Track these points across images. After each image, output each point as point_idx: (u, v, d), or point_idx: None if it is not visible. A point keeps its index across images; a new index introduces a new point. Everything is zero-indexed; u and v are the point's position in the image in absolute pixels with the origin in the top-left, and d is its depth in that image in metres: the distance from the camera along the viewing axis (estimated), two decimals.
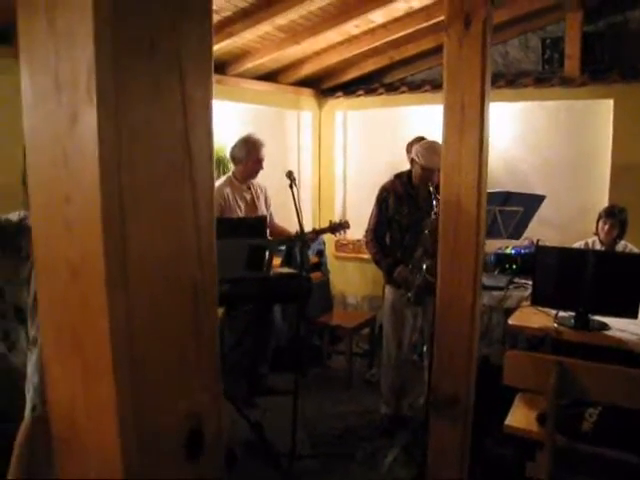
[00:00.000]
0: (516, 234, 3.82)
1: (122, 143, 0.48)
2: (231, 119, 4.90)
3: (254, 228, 3.11)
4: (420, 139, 4.11)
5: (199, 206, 0.54)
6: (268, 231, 3.91)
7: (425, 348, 3.71)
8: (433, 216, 3.19)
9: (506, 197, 3.68)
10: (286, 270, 3.52)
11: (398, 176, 3.61)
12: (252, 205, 3.94)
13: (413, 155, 3.50)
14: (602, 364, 2.38)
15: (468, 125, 1.62)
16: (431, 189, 3.22)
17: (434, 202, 3.16)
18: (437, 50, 4.92)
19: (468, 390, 1.77)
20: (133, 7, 0.50)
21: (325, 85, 5.64)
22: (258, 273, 2.87)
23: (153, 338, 0.53)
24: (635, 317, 2.94)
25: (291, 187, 3.22)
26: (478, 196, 1.66)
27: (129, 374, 0.51)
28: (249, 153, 3.85)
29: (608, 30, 4.63)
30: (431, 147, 3.34)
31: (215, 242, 0.58)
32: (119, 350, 0.50)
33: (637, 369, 2.59)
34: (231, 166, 4.05)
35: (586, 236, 4.06)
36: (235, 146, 3.92)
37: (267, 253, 2.90)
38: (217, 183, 3.88)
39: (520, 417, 2.71)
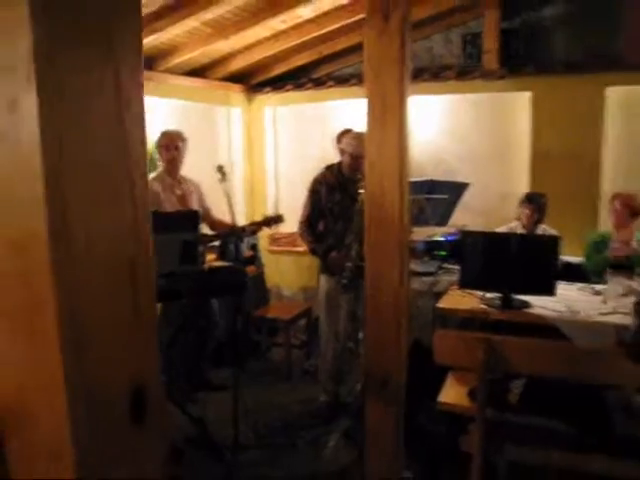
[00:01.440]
0: (443, 221, 3.98)
1: (62, 128, 0.51)
2: (160, 116, 4.84)
3: (187, 222, 3.11)
4: (348, 131, 4.21)
5: (135, 184, 0.58)
6: (209, 226, 3.92)
7: (360, 335, 3.82)
8: (359, 202, 3.31)
9: (431, 186, 3.83)
10: (220, 264, 3.54)
11: (329, 167, 3.71)
12: (183, 200, 3.92)
13: (343, 145, 3.61)
14: (526, 339, 2.55)
15: (390, 116, 1.70)
16: (359, 177, 3.34)
17: (362, 191, 3.28)
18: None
19: (399, 371, 1.86)
20: None
21: (254, 80, 5.66)
22: (193, 267, 2.88)
23: (97, 311, 0.56)
24: (552, 294, 3.13)
25: (222, 181, 3.25)
26: (400, 183, 1.74)
27: (75, 347, 0.54)
28: (164, 142, 3.86)
29: (524, 26, 4.87)
30: (359, 136, 3.48)
31: (150, 216, 0.61)
32: (65, 325, 0.53)
33: (557, 341, 2.79)
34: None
35: (508, 221, 4.27)
36: (159, 139, 3.93)
37: (201, 247, 2.92)
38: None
39: (452, 394, 2.85)
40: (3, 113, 0.51)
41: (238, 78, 5.47)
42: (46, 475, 0.56)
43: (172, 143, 3.84)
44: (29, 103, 0.49)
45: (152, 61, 4.49)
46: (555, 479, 2.72)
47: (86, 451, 0.55)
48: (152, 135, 4.49)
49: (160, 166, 4.01)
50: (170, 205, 3.78)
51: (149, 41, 4.00)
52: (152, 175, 3.92)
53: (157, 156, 4.04)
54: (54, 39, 0.50)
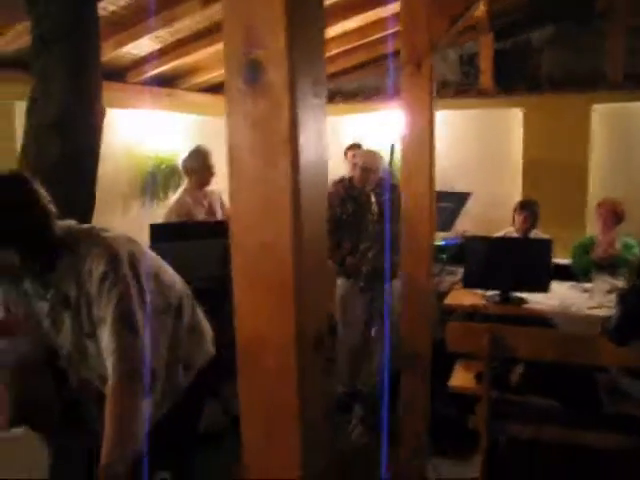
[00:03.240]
0: (447, 228, 4.38)
1: None
2: (180, 130, 5.21)
3: (227, 229, 3.46)
4: (356, 145, 4.57)
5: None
6: None
7: (373, 332, 4.20)
8: (373, 212, 3.72)
9: (437, 195, 4.22)
10: None
11: (340, 181, 4.07)
12: (210, 210, 4.27)
13: (357, 160, 3.99)
14: (525, 327, 2.95)
15: (421, 140, 2.10)
16: (369, 188, 3.74)
17: (373, 199, 3.71)
18: (369, 62, 5.47)
19: (427, 348, 2.25)
20: None
21: None
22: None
23: (310, 281, 0.93)
24: (546, 291, 3.55)
25: None
26: (430, 195, 2.15)
27: (297, 302, 0.90)
28: (201, 163, 4.16)
29: (515, 48, 5.32)
30: (370, 151, 3.88)
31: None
32: (296, 291, 0.89)
33: (552, 329, 3.20)
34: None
35: (502, 226, 4.67)
36: (187, 158, 4.18)
37: None
38: (176, 195, 4.20)
39: (460, 378, 3.24)
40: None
41: None
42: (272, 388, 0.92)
43: (214, 165, 4.14)
44: None
45: (174, 80, 4.85)
46: (549, 453, 3.11)
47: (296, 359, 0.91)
48: (176, 148, 4.89)
49: (186, 179, 4.31)
50: (200, 215, 4.13)
51: (175, 63, 4.38)
52: (180, 191, 4.20)
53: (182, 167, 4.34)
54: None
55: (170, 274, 1.88)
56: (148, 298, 1.61)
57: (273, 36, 0.82)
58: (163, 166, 4.83)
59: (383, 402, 2.41)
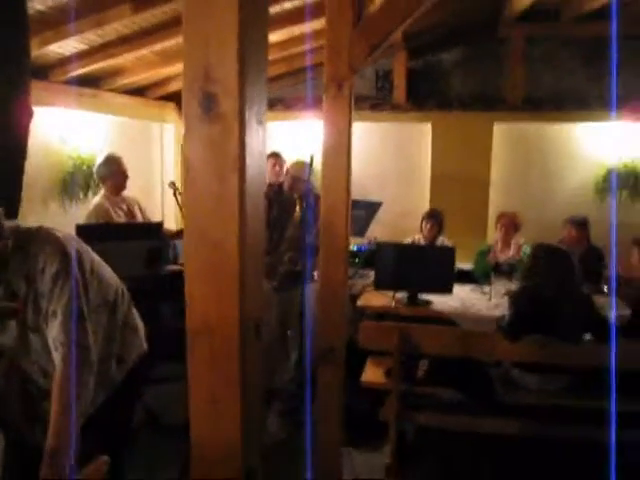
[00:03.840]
0: (360, 234, 4.66)
1: None
2: (102, 131, 5.21)
3: (151, 231, 3.57)
4: (275, 154, 4.75)
5: None
6: None
7: (289, 333, 4.40)
8: (296, 218, 3.93)
9: (352, 203, 4.48)
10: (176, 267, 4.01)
11: (270, 185, 4.29)
12: (130, 215, 4.32)
13: (289, 167, 4.23)
14: (430, 326, 3.24)
15: (340, 152, 2.34)
16: (296, 195, 3.96)
17: (297, 208, 3.92)
18: (289, 74, 5.69)
19: (342, 342, 2.47)
20: None
21: None
22: (156, 271, 3.35)
23: (252, 275, 1.11)
24: (450, 293, 3.88)
25: (175, 195, 3.74)
26: (346, 202, 2.38)
27: (241, 292, 1.07)
28: (115, 169, 4.19)
29: (426, 67, 5.71)
30: (300, 162, 4.15)
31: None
32: (240, 281, 1.07)
33: (453, 327, 3.52)
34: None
35: (410, 234, 5.01)
36: (100, 166, 4.22)
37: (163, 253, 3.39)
38: (95, 200, 4.22)
39: (371, 374, 3.49)
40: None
41: (174, 97, 5.91)
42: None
43: (126, 169, 4.21)
44: None
45: (98, 81, 4.86)
46: (452, 439, 3.43)
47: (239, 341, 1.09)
48: (96, 148, 4.89)
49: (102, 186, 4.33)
50: (120, 219, 4.17)
51: (100, 64, 4.40)
52: (98, 198, 4.21)
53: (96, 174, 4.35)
54: None
55: (108, 271, 1.99)
56: (90, 294, 1.73)
57: (226, 73, 1.01)
58: (84, 167, 4.82)
59: (301, 397, 2.59)
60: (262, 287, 1.20)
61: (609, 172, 5.51)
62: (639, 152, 5.49)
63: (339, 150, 2.33)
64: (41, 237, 1.74)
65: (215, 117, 1.01)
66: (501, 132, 5.68)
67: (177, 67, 4.95)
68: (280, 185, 4.28)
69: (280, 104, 5.92)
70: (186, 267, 1.08)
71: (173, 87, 5.57)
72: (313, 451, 2.88)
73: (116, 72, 4.80)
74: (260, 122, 1.08)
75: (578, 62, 5.67)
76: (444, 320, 3.71)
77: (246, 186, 1.02)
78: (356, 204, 4.50)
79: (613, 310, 3.29)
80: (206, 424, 1.08)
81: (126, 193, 4.36)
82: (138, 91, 5.43)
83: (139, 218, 4.37)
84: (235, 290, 1.04)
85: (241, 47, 0.99)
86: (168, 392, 3.93)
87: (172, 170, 6.29)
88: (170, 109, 6.02)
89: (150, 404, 3.83)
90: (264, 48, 1.09)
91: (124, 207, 4.30)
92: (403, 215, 5.67)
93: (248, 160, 1.03)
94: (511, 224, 4.73)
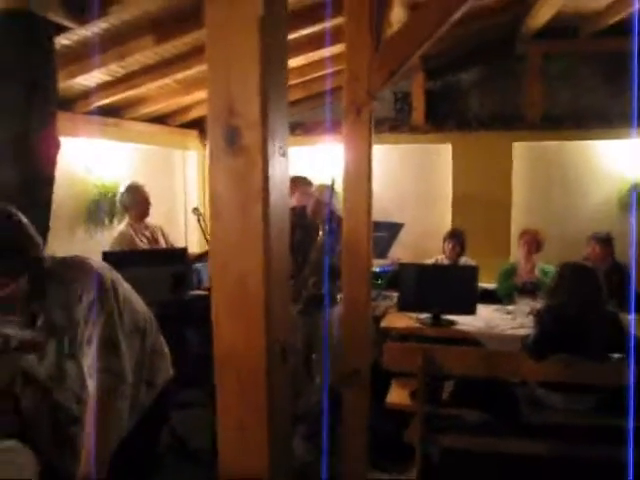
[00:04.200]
0: (382, 255, 4.66)
1: None
2: (125, 159, 5.32)
3: (175, 257, 3.63)
4: (301, 178, 4.79)
5: None
6: None
7: (314, 356, 4.40)
8: (319, 243, 3.96)
9: (373, 225, 4.50)
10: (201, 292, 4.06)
11: (293, 209, 4.31)
12: (153, 241, 4.40)
13: (314, 191, 4.26)
14: (454, 347, 3.22)
15: (361, 175, 2.36)
16: (319, 221, 3.99)
17: (320, 231, 3.94)
18: (307, 98, 5.77)
19: (367, 364, 2.48)
20: None
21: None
22: (181, 296, 3.40)
23: (277, 303, 1.13)
24: (474, 313, 3.86)
25: (198, 221, 3.80)
26: (368, 224, 2.40)
27: (267, 320, 1.09)
28: (138, 197, 4.30)
29: (445, 88, 5.74)
30: (324, 185, 4.18)
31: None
32: (265, 309, 1.09)
33: (478, 348, 3.49)
34: None
35: (433, 254, 5.00)
36: (123, 195, 4.33)
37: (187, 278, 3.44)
38: (119, 228, 4.32)
39: (396, 396, 3.48)
40: None
41: (195, 124, 6.02)
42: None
43: (149, 197, 4.30)
44: None
45: (121, 110, 4.97)
46: (478, 461, 3.38)
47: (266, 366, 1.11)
48: (121, 175, 4.99)
49: (126, 214, 4.43)
50: (143, 246, 4.25)
51: (123, 94, 4.52)
52: (122, 226, 4.32)
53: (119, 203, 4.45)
54: None
55: (137, 298, 2.03)
56: (124, 321, 1.77)
57: (249, 108, 1.04)
58: (109, 194, 4.92)
59: (324, 420, 2.60)
60: (289, 312, 1.22)
61: (632, 187, 5.45)
62: None
63: (360, 174, 2.36)
64: (76, 266, 1.79)
65: (239, 150, 1.04)
66: (521, 150, 5.67)
67: (198, 95, 5.06)
68: (303, 208, 4.30)
69: (299, 128, 5.99)
70: (212, 297, 1.10)
71: (194, 114, 5.68)
72: (339, 474, 2.87)
73: (138, 101, 4.91)
74: (283, 153, 1.11)
75: (598, 79, 5.65)
76: (469, 340, 3.69)
77: (270, 216, 1.05)
78: (378, 226, 4.52)
79: (632, 327, 3.24)
80: (234, 451, 1.10)
81: (150, 220, 4.45)
82: (160, 119, 5.54)
83: (162, 244, 4.44)
84: (261, 319, 1.06)
85: (262, 81, 1.03)
86: (194, 417, 3.96)
87: (195, 196, 6.38)
88: (192, 136, 6.12)
89: (177, 429, 3.85)
90: (284, 80, 1.12)
91: (147, 234, 4.37)
92: (425, 236, 5.67)
93: (271, 191, 1.05)
94: (533, 241, 4.70)
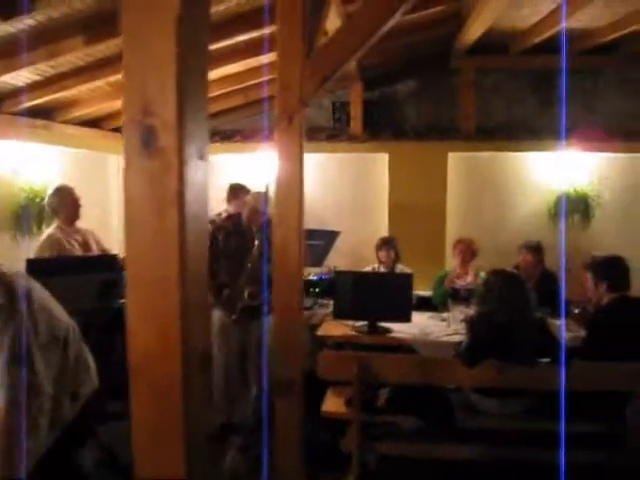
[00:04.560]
0: (319, 263, 4.67)
1: None
2: (56, 163, 5.13)
3: (105, 263, 3.51)
4: (239, 187, 4.73)
5: None
6: None
7: (249, 366, 4.35)
8: (255, 251, 3.92)
9: (308, 233, 4.50)
10: None
11: (229, 216, 4.26)
12: (85, 246, 4.25)
13: (249, 199, 4.20)
14: (389, 355, 3.24)
15: (292, 182, 2.36)
16: (255, 228, 3.95)
17: (256, 241, 3.91)
18: (245, 105, 5.73)
19: (300, 375, 2.45)
20: None
21: None
22: (109, 304, 3.29)
23: (194, 309, 1.10)
24: (409, 321, 3.91)
25: None
26: (299, 232, 2.39)
27: (183, 325, 1.05)
28: (67, 199, 4.16)
29: (382, 98, 5.83)
30: (259, 193, 4.13)
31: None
32: (181, 314, 1.06)
33: (413, 355, 3.52)
34: None
35: (369, 261, 5.04)
36: (51, 197, 4.19)
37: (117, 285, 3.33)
38: (48, 231, 4.16)
39: (332, 404, 3.47)
40: None
41: None
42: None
43: (79, 199, 4.16)
44: None
45: (52, 112, 4.80)
46: (414, 467, 3.40)
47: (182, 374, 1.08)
48: (50, 180, 4.81)
49: (55, 217, 4.27)
50: (74, 250, 4.10)
51: (53, 96, 4.36)
52: (51, 229, 4.17)
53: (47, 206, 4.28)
54: None
55: (58, 308, 1.95)
56: (40, 331, 1.69)
57: (165, 108, 1.01)
58: (37, 199, 4.73)
59: (260, 431, 2.55)
60: (208, 317, 1.19)
61: (560, 198, 5.67)
62: (587, 180, 5.68)
63: (291, 181, 2.36)
64: None
65: (154, 152, 1.01)
66: (456, 161, 5.81)
67: None
68: (239, 216, 4.25)
69: (238, 135, 5.95)
70: (127, 303, 1.06)
71: None
72: None
73: (70, 103, 4.75)
74: (202, 157, 1.08)
75: (527, 93, 5.87)
76: (404, 347, 3.73)
77: (186, 220, 1.02)
78: (313, 233, 4.53)
79: (562, 332, 3.35)
80: (149, 463, 1.06)
81: (82, 224, 4.31)
82: (93, 123, 5.38)
83: (94, 249, 4.30)
84: (177, 326, 1.03)
85: (179, 81, 1.00)
86: (125, 429, 3.81)
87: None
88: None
89: (107, 443, 3.71)
90: (204, 82, 1.10)
91: (79, 238, 4.23)
92: (362, 244, 5.71)
93: (188, 195, 1.02)
94: (468, 250, 4.81)
